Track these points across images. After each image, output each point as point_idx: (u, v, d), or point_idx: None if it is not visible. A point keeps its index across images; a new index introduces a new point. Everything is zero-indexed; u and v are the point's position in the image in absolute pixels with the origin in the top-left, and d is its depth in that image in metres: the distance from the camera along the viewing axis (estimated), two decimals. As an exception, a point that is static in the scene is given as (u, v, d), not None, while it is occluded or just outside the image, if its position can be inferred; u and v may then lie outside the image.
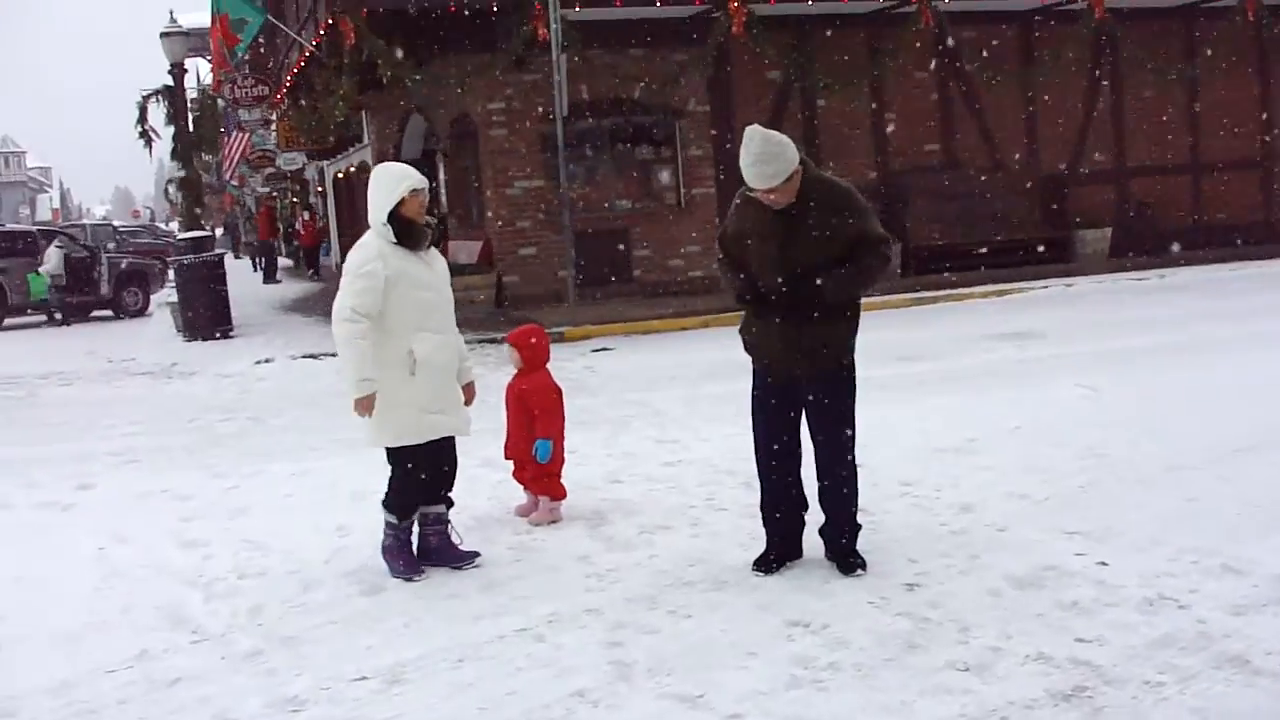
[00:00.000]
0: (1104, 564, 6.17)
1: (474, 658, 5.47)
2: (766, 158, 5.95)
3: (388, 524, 6.77)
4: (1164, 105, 24.24)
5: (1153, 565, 6.10)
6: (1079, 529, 6.76)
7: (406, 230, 6.57)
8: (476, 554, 6.96)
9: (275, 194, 49.97)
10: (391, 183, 6.58)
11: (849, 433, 6.37)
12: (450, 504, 7.00)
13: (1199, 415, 9.39)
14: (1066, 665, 4.99)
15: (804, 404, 6.35)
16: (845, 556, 6.36)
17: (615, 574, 6.53)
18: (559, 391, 7.81)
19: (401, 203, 6.54)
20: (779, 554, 6.48)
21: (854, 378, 6.38)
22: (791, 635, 5.50)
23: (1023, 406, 10.14)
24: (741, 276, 6.31)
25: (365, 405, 6.47)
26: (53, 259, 26.10)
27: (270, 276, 36.27)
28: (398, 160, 25.74)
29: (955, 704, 4.69)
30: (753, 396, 6.48)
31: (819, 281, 6.03)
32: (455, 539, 6.98)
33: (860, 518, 6.47)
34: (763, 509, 6.57)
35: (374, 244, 6.56)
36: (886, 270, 6.25)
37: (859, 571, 6.27)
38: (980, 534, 6.82)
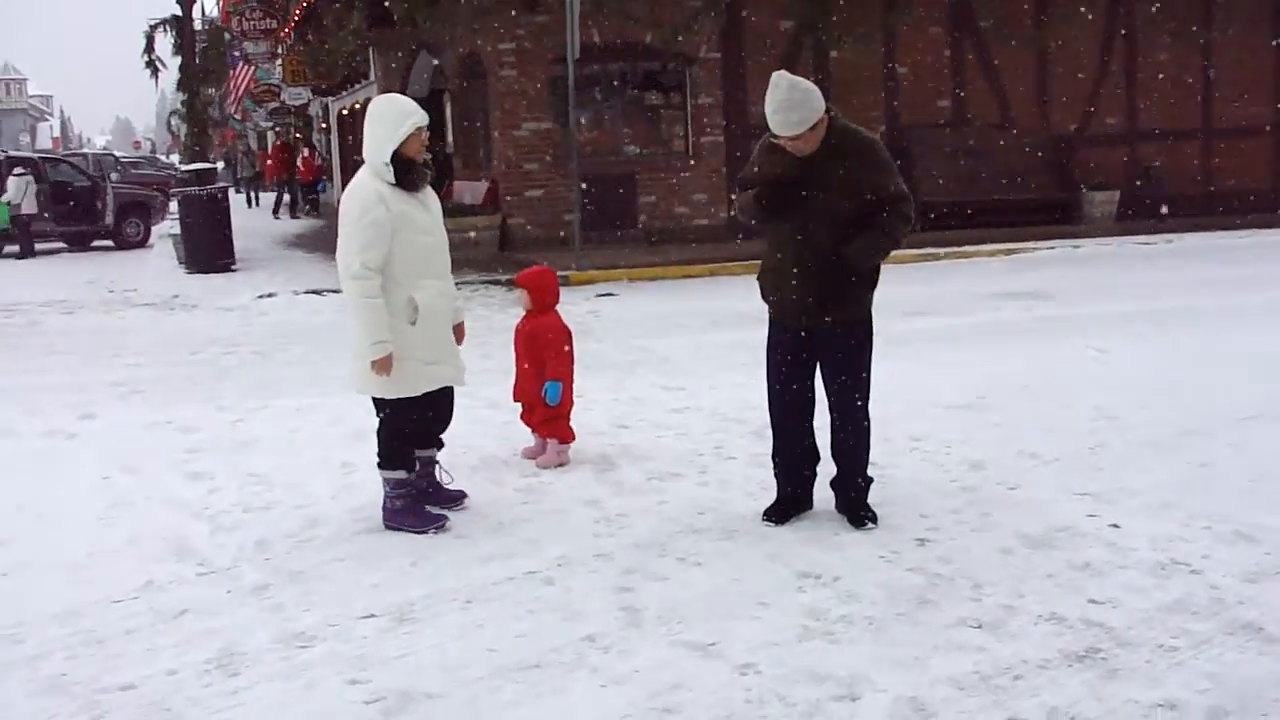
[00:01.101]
0: (1115, 526, 6.14)
1: (483, 599, 5.45)
2: (791, 105, 5.83)
3: (395, 484, 6.48)
4: (1178, 68, 24.01)
5: (1165, 529, 6.07)
6: (1090, 490, 6.73)
7: (407, 171, 6.23)
8: (463, 494, 6.87)
9: (283, 129, 49.68)
10: (398, 118, 6.23)
11: (863, 386, 6.31)
12: (441, 445, 6.87)
13: (1209, 381, 9.34)
14: (1079, 626, 4.96)
15: (819, 354, 6.30)
16: (856, 510, 6.34)
17: (624, 519, 6.49)
18: (569, 333, 7.74)
19: (404, 141, 6.21)
20: (789, 504, 6.46)
21: (870, 330, 6.32)
22: (802, 587, 5.47)
23: (1032, 366, 10.09)
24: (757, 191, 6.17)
25: (384, 365, 6.17)
26: (11, 187, 25.55)
27: (292, 211, 36.41)
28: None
29: (968, 660, 4.67)
30: (768, 344, 6.43)
31: (843, 250, 5.98)
32: (445, 479, 6.86)
33: (871, 471, 6.43)
34: (774, 458, 6.53)
35: (373, 187, 6.19)
36: (908, 229, 6.15)
37: (870, 525, 6.24)
38: (991, 492, 6.79)
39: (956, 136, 22.79)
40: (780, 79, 5.92)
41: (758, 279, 6.46)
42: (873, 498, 6.40)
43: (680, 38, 20.27)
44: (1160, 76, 23.96)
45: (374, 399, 6.47)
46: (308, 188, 38.48)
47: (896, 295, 14.23)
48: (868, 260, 6.08)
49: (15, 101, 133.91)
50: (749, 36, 21.73)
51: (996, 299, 14.43)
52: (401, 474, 6.48)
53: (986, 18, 22.26)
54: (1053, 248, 19.87)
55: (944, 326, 12.53)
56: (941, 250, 19.32)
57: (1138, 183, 23.77)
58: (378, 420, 6.51)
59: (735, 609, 5.23)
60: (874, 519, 6.29)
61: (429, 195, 6.50)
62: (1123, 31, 23.78)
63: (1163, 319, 12.32)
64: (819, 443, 6.49)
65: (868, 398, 6.35)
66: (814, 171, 6.00)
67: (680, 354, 11.27)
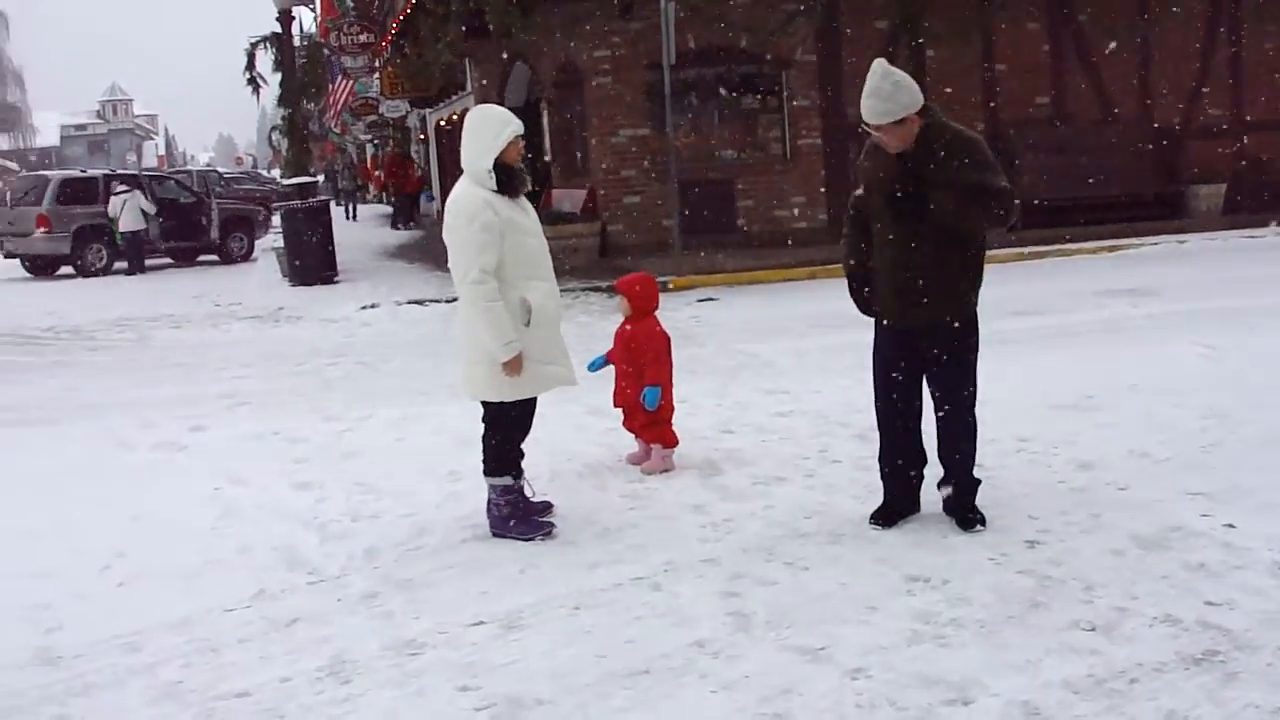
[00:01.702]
0: (1231, 526, 6.02)
1: (590, 605, 5.46)
2: (881, 94, 5.86)
3: (501, 490, 6.56)
4: (1285, 58, 23.58)
5: (1282, 529, 5.95)
6: (1203, 489, 6.60)
7: (508, 177, 6.34)
8: (550, 504, 6.90)
9: (386, 141, 50.22)
10: (496, 127, 6.35)
11: (970, 387, 6.26)
12: (522, 454, 6.78)
13: (1324, 377, 9.14)
14: (1195, 628, 4.88)
15: (924, 356, 6.24)
16: (964, 512, 6.27)
17: (730, 524, 6.49)
18: (667, 338, 7.73)
19: (504, 149, 6.32)
20: (896, 508, 6.42)
21: (975, 329, 6.24)
22: (911, 590, 5.43)
23: (1140, 364, 9.92)
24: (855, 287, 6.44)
25: (515, 366, 6.27)
26: (113, 205, 26.16)
27: (394, 221, 36.40)
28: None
29: (1082, 664, 4.60)
30: (874, 346, 6.39)
31: (930, 204, 5.91)
32: (528, 491, 6.80)
33: (978, 473, 6.37)
34: (880, 461, 6.49)
35: (478, 193, 6.30)
36: (1002, 219, 6.02)
37: (978, 528, 6.18)
38: (1101, 492, 6.69)
39: (1057, 132, 22.47)
40: (877, 66, 5.94)
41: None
42: (981, 500, 6.33)
43: (775, 37, 20.23)
44: (1268, 67, 23.50)
45: (487, 404, 6.53)
46: (410, 199, 38.83)
47: (1000, 295, 14.07)
48: (947, 213, 5.92)
49: (122, 121, 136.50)
50: (845, 37, 21.59)
51: (1102, 296, 14.22)
52: (509, 480, 6.56)
53: (1085, 11, 21.95)
54: (1158, 243, 19.53)
55: (1049, 325, 12.37)
56: (1045, 248, 19.06)
57: (1247, 170, 23.24)
58: (485, 427, 6.58)
59: (844, 613, 5.21)
60: (983, 521, 6.22)
61: (524, 201, 6.58)
62: (1226, 23, 23.35)
63: (1273, 314, 12.05)
64: (926, 445, 6.43)
65: (974, 400, 6.29)
66: (912, 170, 5.98)
67: (783, 358, 11.23)
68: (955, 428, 6.28)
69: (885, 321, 6.30)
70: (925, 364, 6.27)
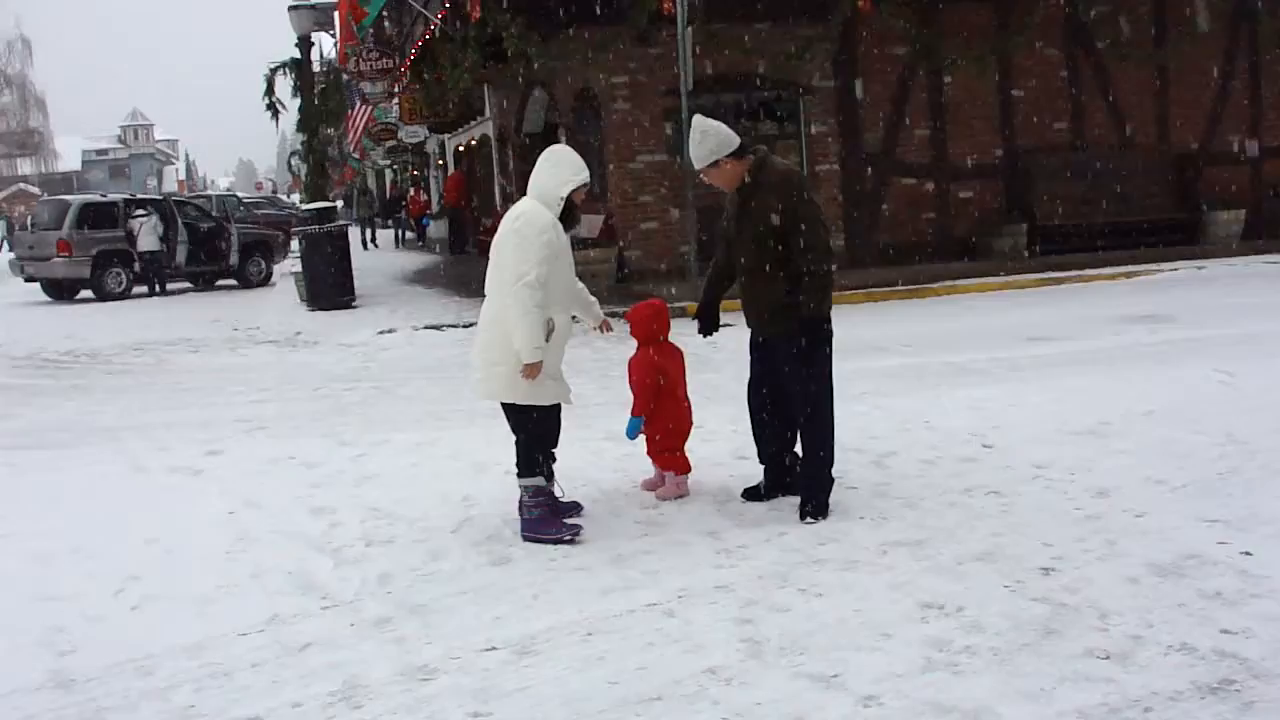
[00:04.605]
0: (1248, 553, 5.99)
1: (604, 631, 5.45)
2: (692, 143, 7.03)
3: (533, 490, 6.92)
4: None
5: (1299, 556, 5.91)
6: (1220, 517, 6.57)
7: (570, 212, 6.93)
8: (579, 505, 7.33)
9: (408, 167, 50.33)
10: (575, 167, 6.95)
11: (812, 389, 6.99)
12: (554, 459, 7.19)
13: (1343, 404, 9.09)
14: (1212, 657, 4.84)
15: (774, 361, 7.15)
16: (801, 504, 7.02)
17: (745, 550, 6.47)
18: (657, 369, 7.61)
19: (575, 188, 6.91)
20: (768, 485, 7.36)
21: (819, 338, 6.91)
22: (925, 617, 5.41)
23: (1156, 390, 9.88)
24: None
25: (534, 371, 6.71)
26: (134, 228, 26.54)
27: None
28: (518, 133, 25.85)
29: (1097, 692, 4.57)
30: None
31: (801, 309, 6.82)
32: (558, 491, 7.19)
33: (993, 499, 6.38)
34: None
35: (546, 213, 6.84)
36: (823, 261, 6.85)
37: (809, 520, 6.87)
38: (1117, 519, 6.66)
39: (1075, 159, 22.48)
40: (694, 120, 7.14)
41: None
42: (996, 526, 6.34)
43: (793, 64, 20.28)
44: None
45: (511, 409, 6.95)
46: (416, 221, 38.91)
47: (1018, 320, 14.13)
48: (813, 307, 6.81)
49: (143, 146, 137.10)
50: (862, 63, 21.63)
51: (1119, 322, 14.18)
52: (540, 481, 6.96)
53: (1103, 38, 21.97)
54: (1176, 269, 19.51)
55: (1066, 351, 12.32)
56: (1063, 274, 19.02)
57: (1267, 196, 23.24)
58: (514, 432, 7.04)
59: (857, 640, 5.19)
60: (814, 516, 6.93)
61: (568, 239, 7.16)
62: (1246, 47, 23.34)
63: (1292, 340, 12.03)
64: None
65: (820, 401, 7.03)
66: (740, 206, 7.08)
67: (798, 383, 11.18)
68: (805, 428, 7.08)
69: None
70: (777, 369, 7.12)
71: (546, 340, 6.73)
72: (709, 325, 7.59)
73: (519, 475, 6.97)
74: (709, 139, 6.97)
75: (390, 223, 48.24)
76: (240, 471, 8.86)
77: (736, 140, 7.02)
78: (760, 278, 7.04)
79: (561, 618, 5.63)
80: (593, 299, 7.52)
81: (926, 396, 10.04)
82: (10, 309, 25.34)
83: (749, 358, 7.43)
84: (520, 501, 6.96)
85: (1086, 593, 5.59)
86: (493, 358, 6.87)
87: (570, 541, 6.75)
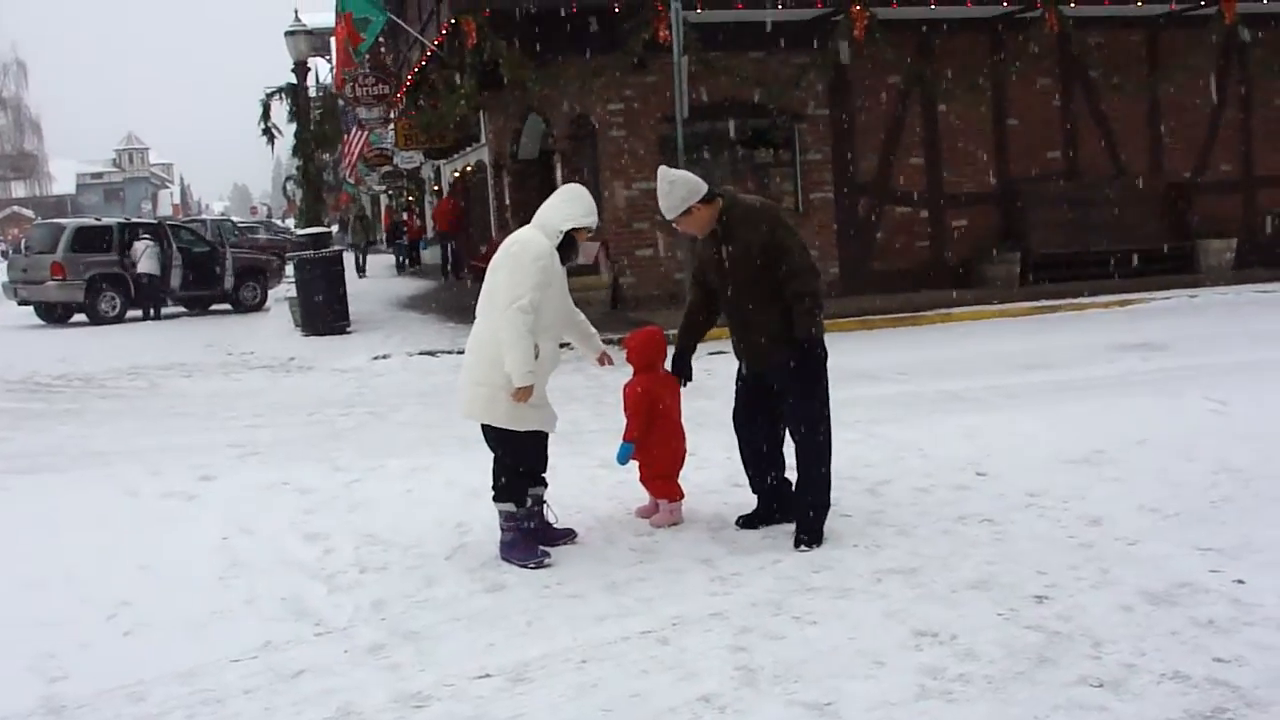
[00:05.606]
0: (1240, 582, 6.00)
1: (598, 658, 5.45)
2: (661, 194, 7.10)
3: (508, 515, 6.98)
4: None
5: (1292, 585, 5.92)
6: (1213, 545, 6.58)
7: (569, 245, 7.02)
8: (573, 532, 7.35)
9: (403, 193, 50.34)
10: (587, 208, 7.06)
11: (813, 409, 7.06)
12: (545, 484, 7.24)
13: (1335, 433, 9.11)
14: (1205, 685, 4.85)
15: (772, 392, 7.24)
16: (797, 529, 7.04)
17: (739, 578, 6.47)
18: (647, 397, 7.61)
19: (580, 226, 7.01)
20: (762, 513, 7.45)
21: (813, 365, 6.95)
22: (919, 645, 5.41)
23: (1150, 418, 9.90)
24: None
25: (524, 395, 6.77)
26: (135, 251, 26.68)
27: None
28: (515, 160, 25.89)
29: (1090, 721, 4.58)
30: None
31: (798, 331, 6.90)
32: (551, 518, 7.27)
33: (987, 527, 6.39)
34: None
35: (546, 242, 6.92)
36: (810, 285, 6.94)
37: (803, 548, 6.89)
38: (1110, 547, 6.67)
39: (1068, 187, 22.55)
40: (660, 172, 7.19)
41: None
42: (990, 554, 6.35)
43: (788, 92, 20.34)
44: (1277, 122, 23.60)
45: (493, 432, 6.99)
46: (413, 245, 38.95)
47: (1011, 349, 14.14)
48: (807, 329, 6.88)
49: (138, 170, 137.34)
50: (857, 92, 21.68)
51: (1112, 351, 14.22)
52: (511, 507, 7.00)
53: (1096, 67, 22.04)
54: (1169, 297, 19.55)
55: (1059, 380, 12.35)
56: (1056, 302, 19.06)
57: (1259, 225, 23.30)
58: (495, 456, 7.09)
59: (851, 668, 5.19)
60: (808, 544, 6.94)
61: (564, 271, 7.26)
62: (1237, 76, 23.43)
63: (1285, 369, 12.05)
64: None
65: (813, 425, 7.09)
66: (717, 248, 7.15)
67: (792, 410, 11.19)
68: (802, 454, 7.10)
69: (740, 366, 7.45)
70: (773, 400, 7.24)
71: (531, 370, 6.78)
72: (685, 375, 7.72)
73: (494, 498, 7.06)
74: (678, 188, 7.06)
75: (390, 248, 48.18)
76: (234, 497, 8.84)
77: (704, 186, 7.13)
78: (753, 312, 7.12)
79: (555, 645, 5.63)
80: (593, 330, 7.58)
81: (920, 424, 10.04)
82: (3, 332, 25.34)
83: (735, 388, 7.54)
84: (500, 526, 7.08)
85: (1080, 621, 5.60)
86: (475, 378, 6.96)
87: (536, 567, 6.82)
